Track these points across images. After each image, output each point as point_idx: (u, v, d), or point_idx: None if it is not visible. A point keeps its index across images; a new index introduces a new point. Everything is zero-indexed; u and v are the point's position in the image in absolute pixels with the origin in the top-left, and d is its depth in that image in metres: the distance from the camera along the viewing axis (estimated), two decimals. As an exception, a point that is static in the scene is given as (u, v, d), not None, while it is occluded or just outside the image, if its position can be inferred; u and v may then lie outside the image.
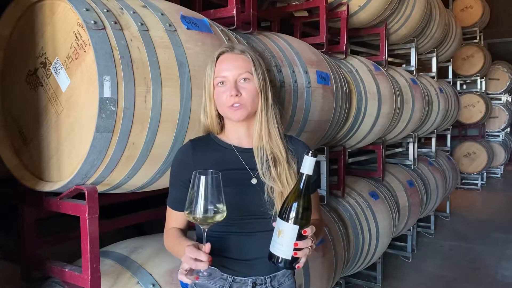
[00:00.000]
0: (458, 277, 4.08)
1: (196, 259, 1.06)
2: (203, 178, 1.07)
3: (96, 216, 1.45)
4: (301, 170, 1.14)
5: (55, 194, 1.53)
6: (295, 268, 1.16)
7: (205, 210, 1.07)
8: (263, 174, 1.26)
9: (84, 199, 1.44)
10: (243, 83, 1.26)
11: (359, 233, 3.21)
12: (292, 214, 1.12)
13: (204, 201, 1.07)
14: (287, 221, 1.11)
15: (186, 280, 1.08)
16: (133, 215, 2.01)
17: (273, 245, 1.14)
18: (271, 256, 1.14)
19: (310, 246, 1.13)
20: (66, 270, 1.55)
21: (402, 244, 4.58)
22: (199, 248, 1.08)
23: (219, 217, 1.10)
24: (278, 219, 1.14)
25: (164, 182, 1.68)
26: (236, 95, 1.24)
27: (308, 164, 1.13)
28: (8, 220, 1.82)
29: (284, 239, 1.11)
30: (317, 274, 2.44)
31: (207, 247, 1.09)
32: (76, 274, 1.51)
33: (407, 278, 4.06)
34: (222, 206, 1.09)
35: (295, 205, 1.12)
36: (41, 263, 1.65)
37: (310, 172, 1.14)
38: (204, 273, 1.09)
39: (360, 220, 3.25)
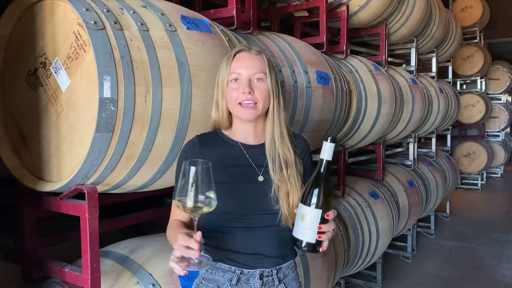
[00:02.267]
0: (458, 277, 4.08)
1: (187, 247, 1.06)
2: (193, 168, 1.06)
3: (96, 216, 1.45)
4: (321, 156, 1.18)
5: (55, 194, 1.53)
6: (318, 251, 1.18)
7: (195, 200, 1.06)
8: (273, 174, 1.29)
9: (84, 199, 1.44)
10: (256, 83, 1.29)
11: (359, 233, 3.20)
12: (314, 199, 1.15)
13: (195, 191, 1.06)
14: (310, 205, 1.14)
15: (177, 267, 1.08)
16: (133, 215, 2.01)
17: (297, 230, 1.17)
18: (295, 240, 1.17)
19: (332, 230, 1.16)
20: (66, 270, 1.55)
21: (402, 244, 4.58)
22: (191, 236, 1.08)
23: (209, 208, 1.08)
24: (300, 204, 1.17)
25: (164, 182, 1.68)
26: (249, 92, 1.26)
27: (327, 150, 1.16)
28: (8, 220, 1.82)
29: (308, 223, 1.14)
30: (317, 274, 2.44)
31: (198, 235, 1.08)
32: (76, 274, 1.51)
33: (407, 278, 4.06)
34: (212, 196, 1.07)
35: (316, 190, 1.15)
36: (41, 263, 1.65)
37: (330, 158, 1.17)
38: (195, 260, 1.08)
39: (360, 220, 3.25)
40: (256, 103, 1.28)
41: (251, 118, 1.29)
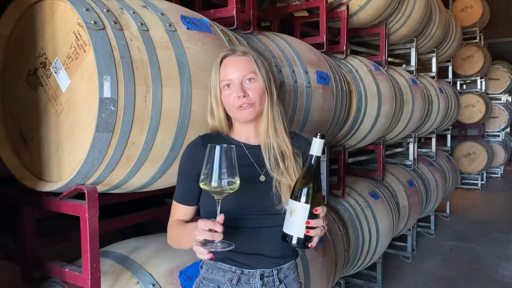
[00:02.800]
0: (458, 277, 4.08)
1: (210, 230, 1.09)
2: (218, 148, 1.11)
3: (96, 216, 1.45)
4: (310, 152, 1.19)
5: (55, 194, 1.53)
6: (307, 247, 1.19)
7: (220, 180, 1.11)
8: (271, 169, 1.30)
9: (84, 199, 1.44)
10: (248, 84, 1.29)
11: (359, 233, 3.20)
12: (303, 194, 1.16)
13: (219, 170, 1.10)
14: (299, 200, 1.15)
15: (202, 251, 1.10)
16: (133, 215, 2.01)
17: (286, 225, 1.18)
18: (285, 236, 1.18)
19: (322, 226, 1.17)
20: (66, 270, 1.55)
21: (402, 244, 4.58)
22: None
23: (233, 188, 1.13)
24: (290, 200, 1.18)
25: (164, 182, 1.68)
26: (244, 96, 1.27)
27: (316, 146, 1.18)
28: (8, 220, 1.82)
29: (297, 218, 1.15)
30: (317, 274, 2.44)
31: (221, 217, 1.12)
32: (76, 274, 1.51)
33: (407, 278, 4.06)
34: (236, 177, 1.12)
35: (305, 185, 1.16)
36: (41, 263, 1.65)
37: (319, 154, 1.18)
38: (218, 244, 1.12)
39: (360, 220, 3.25)
40: (253, 104, 1.28)
41: (251, 118, 1.30)
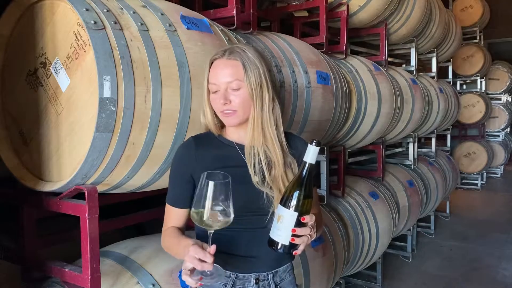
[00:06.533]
0: (458, 277, 4.08)
1: (200, 260, 1.06)
2: (211, 183, 1.05)
3: (96, 216, 1.45)
4: (304, 159, 1.15)
5: (55, 194, 1.53)
6: (292, 254, 1.17)
7: (213, 214, 1.06)
8: (254, 174, 1.26)
9: (84, 199, 1.44)
10: (233, 92, 1.25)
11: (359, 233, 3.21)
12: (292, 201, 1.13)
13: (212, 205, 1.06)
14: (287, 207, 1.13)
15: (191, 281, 1.07)
16: (133, 215, 2.01)
17: (273, 231, 1.15)
18: (271, 241, 1.16)
19: (309, 235, 1.14)
20: (66, 270, 1.55)
21: (402, 244, 4.58)
22: (203, 248, 1.08)
23: (226, 223, 1.09)
24: (278, 205, 1.15)
25: (164, 182, 1.68)
26: (225, 103, 1.25)
27: (311, 153, 1.14)
28: (8, 220, 1.82)
29: (283, 225, 1.13)
30: (317, 274, 2.44)
31: (212, 248, 1.08)
32: (76, 274, 1.51)
33: (407, 278, 4.06)
34: (230, 211, 1.08)
35: (295, 192, 1.13)
36: (41, 263, 1.65)
37: (313, 161, 1.15)
38: (208, 272, 1.09)
39: (360, 220, 3.25)
40: (235, 110, 1.25)
41: (234, 124, 1.28)
